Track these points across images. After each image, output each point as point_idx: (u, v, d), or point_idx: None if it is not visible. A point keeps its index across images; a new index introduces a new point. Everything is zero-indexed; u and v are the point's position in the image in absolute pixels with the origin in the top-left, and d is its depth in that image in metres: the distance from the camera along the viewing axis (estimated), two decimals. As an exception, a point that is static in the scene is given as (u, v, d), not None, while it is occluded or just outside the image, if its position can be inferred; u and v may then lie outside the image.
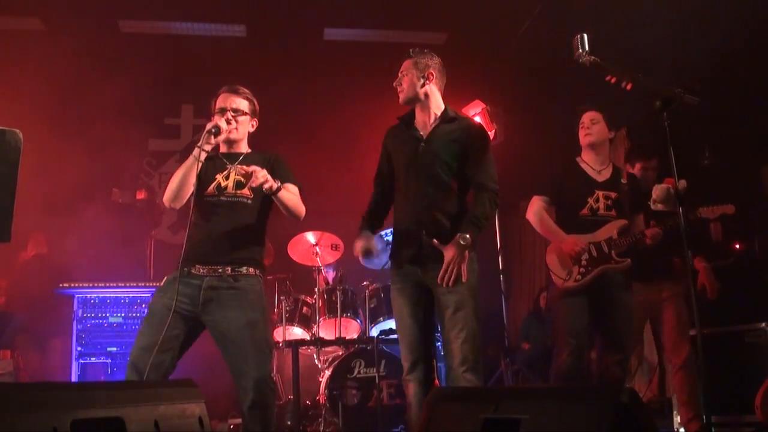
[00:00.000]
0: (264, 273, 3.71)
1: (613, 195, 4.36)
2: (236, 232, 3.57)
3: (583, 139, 4.46)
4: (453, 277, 3.44)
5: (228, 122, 3.66)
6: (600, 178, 4.43)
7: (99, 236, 7.21)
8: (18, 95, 6.38)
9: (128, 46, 7.38)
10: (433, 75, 3.76)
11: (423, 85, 3.74)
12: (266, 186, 3.40)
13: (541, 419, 2.03)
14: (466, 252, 3.46)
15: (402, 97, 3.79)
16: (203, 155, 3.53)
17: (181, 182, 3.56)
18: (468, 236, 3.45)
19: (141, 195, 7.40)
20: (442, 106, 3.79)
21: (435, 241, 3.49)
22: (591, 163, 4.48)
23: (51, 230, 7.13)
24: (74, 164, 7.04)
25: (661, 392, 6.23)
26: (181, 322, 3.43)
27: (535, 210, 4.47)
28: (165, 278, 3.60)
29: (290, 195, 3.61)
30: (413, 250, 3.62)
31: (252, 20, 7.37)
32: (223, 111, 3.69)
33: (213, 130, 3.55)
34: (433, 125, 3.73)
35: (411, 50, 3.80)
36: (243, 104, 3.74)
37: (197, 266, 3.50)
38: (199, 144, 3.52)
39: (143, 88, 7.23)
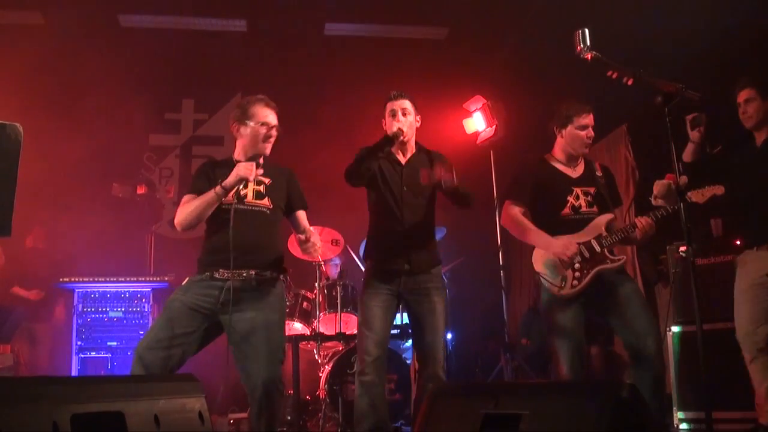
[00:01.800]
0: (285, 275, 3.86)
1: (591, 190, 4.20)
2: (258, 238, 3.66)
3: (587, 145, 4.30)
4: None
5: (269, 142, 3.78)
6: (574, 174, 4.27)
7: (99, 231, 7.21)
8: (18, 89, 6.38)
9: (128, 40, 7.37)
10: (419, 120, 4.18)
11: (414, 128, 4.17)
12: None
13: (542, 415, 2.03)
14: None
15: (407, 138, 4.05)
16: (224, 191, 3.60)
17: (200, 216, 3.64)
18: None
19: (141, 190, 7.40)
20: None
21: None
22: (564, 159, 4.31)
23: (51, 225, 7.13)
24: (74, 159, 7.04)
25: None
26: (197, 320, 3.48)
27: (511, 215, 4.27)
28: (187, 278, 3.65)
29: None
30: (400, 263, 3.97)
31: (252, 15, 7.37)
32: (268, 125, 3.78)
33: (250, 180, 3.60)
34: (410, 155, 4.15)
35: (396, 93, 4.14)
36: (276, 119, 3.86)
37: (221, 270, 3.56)
38: (224, 185, 3.55)
39: (143, 83, 7.23)
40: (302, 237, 3.65)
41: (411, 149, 4.16)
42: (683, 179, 3.60)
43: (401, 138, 3.93)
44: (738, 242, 4.82)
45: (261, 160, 3.73)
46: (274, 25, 7.43)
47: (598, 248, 4.05)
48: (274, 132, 3.79)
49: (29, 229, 7.08)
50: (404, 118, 4.03)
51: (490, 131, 7.35)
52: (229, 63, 7.76)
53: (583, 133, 4.22)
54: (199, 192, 3.66)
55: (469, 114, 7.58)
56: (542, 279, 4.17)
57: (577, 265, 4.04)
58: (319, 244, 3.72)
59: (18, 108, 5.83)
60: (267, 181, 3.76)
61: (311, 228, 3.83)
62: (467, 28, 7.27)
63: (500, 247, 7.00)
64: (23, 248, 7.05)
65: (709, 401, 3.31)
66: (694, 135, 4.30)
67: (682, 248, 4.93)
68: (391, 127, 3.99)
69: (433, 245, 4.17)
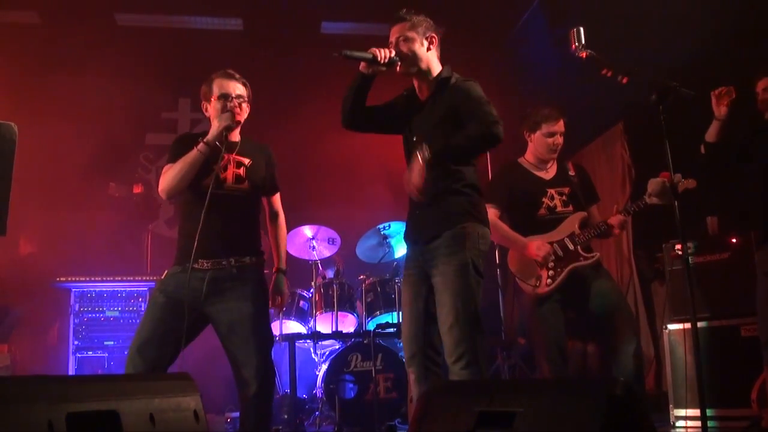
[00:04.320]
0: (263, 259, 3.72)
1: (566, 190, 4.33)
2: (236, 224, 3.58)
3: (554, 151, 4.37)
4: (414, 184, 3.08)
5: (237, 114, 3.58)
6: (547, 176, 4.39)
7: (96, 230, 7.20)
8: (13, 88, 6.37)
9: (125, 39, 7.36)
10: (435, 39, 3.47)
11: (428, 51, 3.44)
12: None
13: (536, 413, 2.03)
14: (424, 159, 3.07)
15: (404, 68, 3.38)
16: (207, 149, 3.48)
17: (184, 175, 3.48)
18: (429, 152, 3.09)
19: (138, 189, 7.39)
20: (440, 68, 3.49)
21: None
22: (535, 162, 4.43)
23: (48, 224, 7.12)
24: (70, 158, 7.03)
25: (657, 385, 6.24)
26: (183, 315, 3.41)
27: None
28: (166, 272, 3.59)
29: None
30: (413, 232, 3.46)
31: (249, 14, 7.37)
32: (226, 97, 3.59)
33: (232, 125, 3.52)
34: (430, 91, 3.45)
35: (396, 15, 3.43)
36: (243, 90, 3.68)
37: (201, 261, 3.48)
38: (207, 140, 3.47)
39: (140, 82, 7.22)
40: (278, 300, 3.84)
41: (432, 83, 3.44)
42: (677, 177, 3.62)
43: (381, 63, 3.26)
44: (734, 240, 4.83)
45: (235, 134, 3.66)
46: (270, 23, 7.43)
47: (571, 246, 4.19)
48: (234, 102, 3.58)
49: (23, 230, 7.06)
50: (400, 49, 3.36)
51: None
52: (226, 62, 7.71)
53: (550, 140, 4.33)
54: (178, 159, 3.52)
55: (465, 112, 7.58)
56: (517, 279, 4.30)
57: (551, 264, 4.16)
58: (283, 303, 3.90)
59: (13, 107, 5.84)
60: (247, 161, 3.65)
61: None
62: (462, 27, 7.26)
63: (496, 245, 6.99)
64: (18, 254, 7.02)
65: (705, 398, 3.32)
66: (721, 111, 4.05)
67: (678, 246, 4.94)
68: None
69: (459, 200, 3.34)
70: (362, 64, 3.33)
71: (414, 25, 3.37)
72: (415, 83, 3.51)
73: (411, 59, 3.35)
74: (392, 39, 3.39)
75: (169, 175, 3.51)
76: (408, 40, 3.36)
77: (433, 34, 3.44)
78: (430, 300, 3.33)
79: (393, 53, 3.29)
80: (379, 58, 3.24)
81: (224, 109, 3.55)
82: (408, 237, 3.51)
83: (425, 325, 3.35)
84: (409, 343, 3.37)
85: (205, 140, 3.47)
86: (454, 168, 3.31)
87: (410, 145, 3.43)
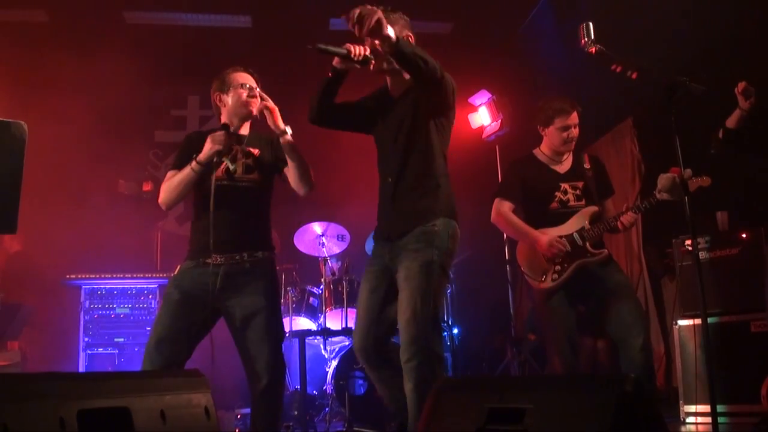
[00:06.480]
0: (274, 253, 3.72)
1: (579, 184, 4.28)
2: (248, 217, 3.60)
3: (570, 143, 4.35)
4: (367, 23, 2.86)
5: (253, 105, 3.64)
6: (561, 170, 4.35)
7: (106, 227, 7.23)
8: (23, 87, 6.39)
9: (134, 37, 7.37)
10: (412, 38, 3.38)
11: None
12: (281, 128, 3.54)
13: (546, 409, 2.02)
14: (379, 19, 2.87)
15: (378, 65, 3.31)
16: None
17: (180, 193, 3.55)
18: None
19: (147, 186, 7.42)
20: None
21: None
22: (550, 155, 4.39)
23: (58, 221, 7.14)
24: (80, 156, 7.05)
25: (667, 381, 6.23)
26: (197, 310, 3.45)
27: (500, 211, 4.33)
28: (178, 267, 3.61)
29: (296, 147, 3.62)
30: (385, 227, 3.44)
31: (257, 11, 7.38)
32: (243, 86, 3.64)
33: (224, 150, 3.50)
34: (406, 88, 3.42)
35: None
36: (254, 83, 3.71)
37: (214, 256, 3.49)
38: (199, 160, 3.49)
39: (149, 80, 7.23)
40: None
41: (406, 81, 3.39)
42: (687, 173, 3.61)
43: (354, 57, 3.15)
44: (744, 235, 4.81)
45: (244, 127, 3.70)
46: (278, 20, 7.43)
47: (579, 242, 4.14)
48: (255, 93, 3.63)
49: (33, 227, 7.07)
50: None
51: (496, 125, 7.35)
52: (234, 59, 7.73)
53: (564, 133, 4.28)
54: (180, 168, 3.56)
55: (474, 109, 7.58)
56: (524, 274, 4.30)
57: (558, 260, 4.12)
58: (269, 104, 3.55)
59: (22, 106, 5.86)
60: (255, 152, 3.67)
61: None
62: (471, 23, 7.26)
63: (505, 241, 6.99)
64: (28, 251, 7.04)
65: (715, 394, 3.30)
66: (745, 104, 4.06)
67: (688, 242, 4.92)
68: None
69: (429, 195, 3.31)
70: (335, 59, 3.25)
71: (390, 23, 3.07)
72: (389, 80, 3.49)
73: (385, 56, 3.24)
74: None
75: (165, 190, 3.58)
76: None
77: (410, 33, 3.38)
78: (387, 297, 3.29)
79: (368, 51, 3.19)
80: (353, 55, 3.14)
81: (244, 97, 3.62)
82: (378, 233, 3.48)
83: (377, 321, 3.30)
84: (358, 337, 3.31)
85: (197, 160, 3.49)
86: (426, 161, 3.31)
87: (383, 143, 3.48)
